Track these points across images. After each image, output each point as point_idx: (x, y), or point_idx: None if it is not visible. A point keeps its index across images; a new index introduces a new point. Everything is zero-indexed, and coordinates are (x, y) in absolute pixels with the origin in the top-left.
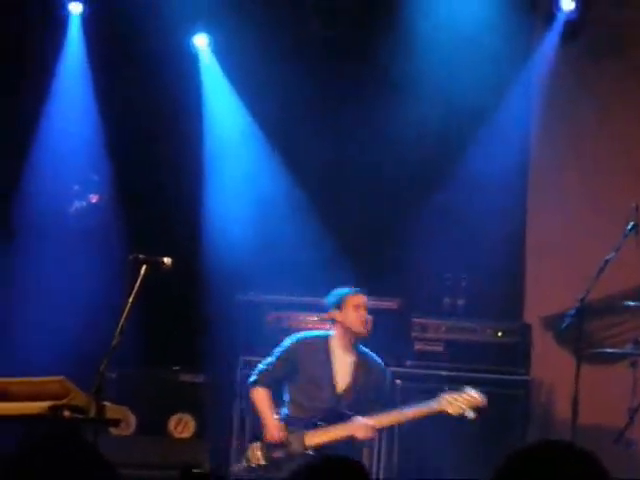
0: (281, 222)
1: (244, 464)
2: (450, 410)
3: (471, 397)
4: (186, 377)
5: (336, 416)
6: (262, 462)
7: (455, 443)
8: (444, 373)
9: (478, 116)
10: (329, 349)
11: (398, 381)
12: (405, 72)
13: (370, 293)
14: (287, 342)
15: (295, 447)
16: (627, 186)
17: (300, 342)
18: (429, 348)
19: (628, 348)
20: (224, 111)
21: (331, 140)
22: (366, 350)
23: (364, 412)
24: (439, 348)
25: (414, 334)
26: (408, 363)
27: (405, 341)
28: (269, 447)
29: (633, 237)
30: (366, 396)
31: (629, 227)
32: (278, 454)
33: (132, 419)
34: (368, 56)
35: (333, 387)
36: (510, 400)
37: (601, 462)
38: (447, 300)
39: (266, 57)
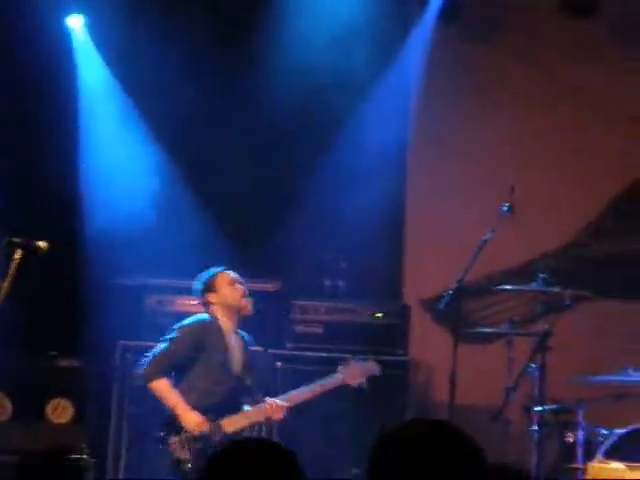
0: (159, 204)
1: (169, 459)
2: (350, 382)
3: (367, 367)
4: (64, 362)
5: (237, 398)
6: (188, 456)
7: (335, 423)
8: (324, 354)
9: (358, 98)
10: (222, 331)
11: (279, 363)
12: (280, 55)
13: (250, 276)
14: (183, 326)
15: (215, 435)
16: (507, 169)
17: (197, 326)
18: (309, 330)
19: (504, 327)
20: (99, 90)
21: (209, 122)
22: (244, 332)
23: (261, 393)
24: (319, 330)
25: (294, 316)
26: (288, 345)
27: (285, 323)
28: (190, 439)
29: (508, 218)
30: (257, 377)
31: (504, 208)
32: (200, 445)
33: (8, 404)
34: (245, 40)
35: (231, 370)
36: (389, 380)
37: (473, 439)
38: (327, 282)
39: (140, 36)
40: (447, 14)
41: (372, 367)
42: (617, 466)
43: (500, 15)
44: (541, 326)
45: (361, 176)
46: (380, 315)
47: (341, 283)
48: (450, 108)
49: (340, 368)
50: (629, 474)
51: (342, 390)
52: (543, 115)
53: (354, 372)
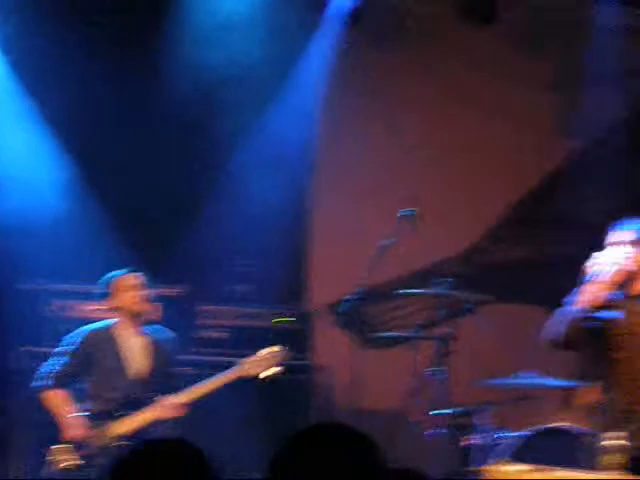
0: (61, 208)
1: (53, 468)
2: (252, 372)
3: (270, 353)
4: None
5: (136, 402)
6: (71, 463)
7: (237, 429)
8: (229, 359)
9: (266, 96)
10: (114, 337)
11: (184, 368)
12: (182, 54)
13: (156, 281)
14: (74, 338)
15: (99, 441)
16: (410, 172)
17: (87, 335)
18: (214, 335)
19: (407, 331)
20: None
21: (112, 122)
22: (154, 328)
23: (168, 390)
24: (224, 334)
25: (200, 321)
26: (193, 350)
27: (191, 328)
28: (74, 447)
29: (411, 223)
30: (167, 372)
31: (407, 214)
32: (84, 452)
33: None
34: (148, 39)
35: (126, 374)
36: (293, 385)
37: (375, 443)
38: (233, 287)
39: (41, 35)
40: (350, 18)
41: (278, 353)
42: (513, 469)
43: (402, 21)
44: (444, 330)
45: (268, 179)
46: (284, 319)
47: (247, 287)
48: (355, 110)
49: (242, 360)
50: (524, 475)
51: (247, 393)
52: (445, 120)
53: (258, 362)
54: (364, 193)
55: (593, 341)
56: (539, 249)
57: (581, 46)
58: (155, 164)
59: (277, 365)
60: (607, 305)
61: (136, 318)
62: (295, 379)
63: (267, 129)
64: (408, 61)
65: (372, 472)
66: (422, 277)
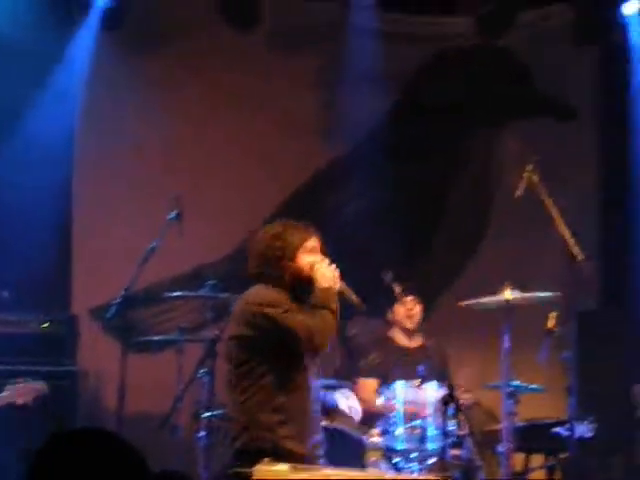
0: None
1: None
2: (17, 400)
3: (34, 388)
4: None
5: None
6: None
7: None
8: None
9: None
10: None
11: None
12: None
13: None
14: None
15: None
16: (177, 175)
17: None
18: None
19: (174, 335)
20: None
21: None
22: None
23: None
24: None
25: None
26: None
27: None
28: None
29: (176, 225)
30: None
31: (171, 215)
32: None
33: None
34: None
35: None
36: (57, 392)
37: (136, 449)
38: None
39: None
40: (109, 21)
41: (40, 388)
42: (281, 467)
43: (165, 25)
44: (210, 332)
45: (25, 184)
46: (46, 325)
47: (5, 294)
48: (119, 113)
49: (9, 387)
50: (292, 474)
51: None
52: (210, 123)
53: (22, 391)
54: (128, 195)
55: None
56: None
57: (341, 48)
58: None
59: (33, 399)
60: None
61: None
62: (59, 385)
63: (25, 134)
64: (172, 64)
65: (131, 476)
66: (189, 280)
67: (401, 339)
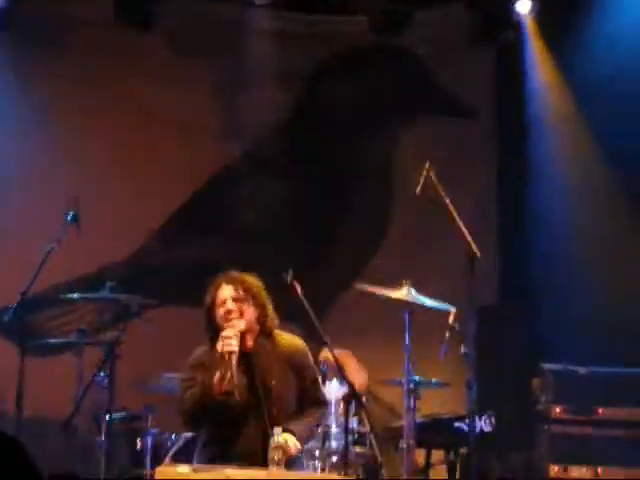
0: None
1: None
2: None
3: None
4: None
5: None
6: None
7: None
8: None
9: None
10: None
11: None
12: None
13: None
14: None
15: None
16: (72, 177)
17: None
18: None
19: (73, 337)
20: None
21: None
22: None
23: None
24: None
25: None
26: None
27: None
28: None
29: (74, 227)
30: None
31: (69, 217)
32: None
33: None
34: None
35: None
36: None
37: (28, 453)
38: None
39: None
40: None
41: None
42: (183, 468)
43: (55, 26)
44: (110, 334)
45: None
46: None
47: None
48: (15, 117)
49: None
50: (193, 475)
51: None
52: (109, 123)
53: None
54: (24, 198)
55: None
56: (206, 251)
57: (240, 50)
58: None
59: None
60: None
61: None
62: None
63: None
64: (62, 66)
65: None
66: (87, 281)
67: None
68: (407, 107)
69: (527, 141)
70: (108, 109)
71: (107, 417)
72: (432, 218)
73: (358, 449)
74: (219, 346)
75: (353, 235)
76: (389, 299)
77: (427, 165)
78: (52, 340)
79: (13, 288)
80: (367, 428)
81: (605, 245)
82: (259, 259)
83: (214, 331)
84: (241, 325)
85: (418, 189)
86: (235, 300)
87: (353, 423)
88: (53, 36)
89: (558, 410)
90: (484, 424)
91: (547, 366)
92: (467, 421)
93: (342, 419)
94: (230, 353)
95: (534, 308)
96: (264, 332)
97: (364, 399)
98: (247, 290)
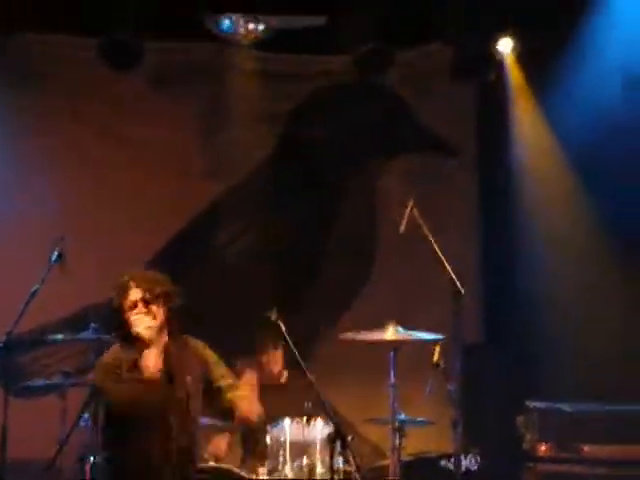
0: None
1: None
2: None
3: None
4: None
5: None
6: None
7: None
8: None
9: None
10: None
11: None
12: None
13: None
14: None
15: None
16: (58, 217)
17: None
18: None
19: (57, 379)
20: None
21: None
22: None
23: None
24: None
25: None
26: None
27: None
28: None
29: (58, 267)
30: None
31: (54, 257)
32: None
33: None
34: None
35: None
36: None
37: None
38: None
39: None
40: None
41: None
42: None
43: (40, 62)
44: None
45: None
46: None
47: None
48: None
49: None
50: None
51: None
52: (91, 163)
53: None
54: (9, 236)
55: None
56: (188, 289)
57: (223, 89)
58: None
59: None
60: None
61: None
62: None
63: None
64: (51, 105)
65: None
66: (71, 323)
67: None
68: (390, 144)
69: (509, 178)
70: (92, 146)
71: (92, 459)
72: (417, 255)
73: None
74: (134, 331)
75: (337, 270)
76: (373, 339)
77: (410, 202)
78: (36, 382)
79: (2, 327)
80: (353, 467)
81: (590, 287)
82: (242, 295)
83: (126, 333)
84: (152, 323)
85: (402, 226)
86: (146, 302)
87: (339, 462)
88: (38, 72)
89: (543, 448)
90: (470, 463)
91: (532, 404)
92: (453, 459)
93: (328, 458)
94: (149, 333)
95: (519, 346)
96: (173, 333)
97: (349, 438)
98: (157, 290)
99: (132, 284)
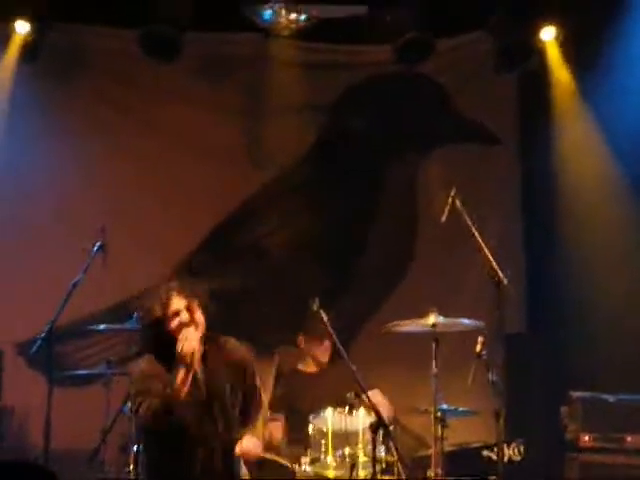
0: None
1: None
2: None
3: None
4: None
5: None
6: None
7: None
8: None
9: None
10: None
11: None
12: None
13: None
14: None
15: None
16: (98, 208)
17: None
18: None
19: (101, 369)
20: None
21: None
22: None
23: None
24: None
25: None
26: None
27: None
28: None
29: (100, 258)
30: None
31: (95, 248)
32: None
33: None
34: None
35: None
36: None
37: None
38: None
39: None
40: (26, 53)
41: None
42: None
43: (83, 56)
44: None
45: None
46: None
47: None
48: (35, 147)
49: None
50: None
51: None
52: (136, 153)
53: None
54: (51, 228)
55: None
56: (227, 281)
57: (264, 79)
58: None
59: None
60: None
61: None
62: None
63: None
64: (91, 96)
65: None
66: (114, 313)
67: (311, 367)
68: (430, 134)
69: (552, 166)
70: (134, 138)
71: (135, 448)
72: (456, 245)
73: (386, 478)
74: (179, 347)
75: (378, 263)
76: (413, 328)
77: (453, 192)
78: (80, 371)
79: (41, 319)
80: (395, 457)
81: (633, 278)
82: (283, 286)
83: (165, 344)
84: (197, 335)
85: (444, 216)
86: (188, 310)
87: (381, 452)
88: (80, 65)
89: (587, 438)
90: (513, 453)
91: (576, 394)
92: (496, 450)
93: (370, 448)
94: (192, 353)
95: (562, 336)
96: (210, 339)
97: (391, 428)
98: (196, 297)
99: (174, 293)
